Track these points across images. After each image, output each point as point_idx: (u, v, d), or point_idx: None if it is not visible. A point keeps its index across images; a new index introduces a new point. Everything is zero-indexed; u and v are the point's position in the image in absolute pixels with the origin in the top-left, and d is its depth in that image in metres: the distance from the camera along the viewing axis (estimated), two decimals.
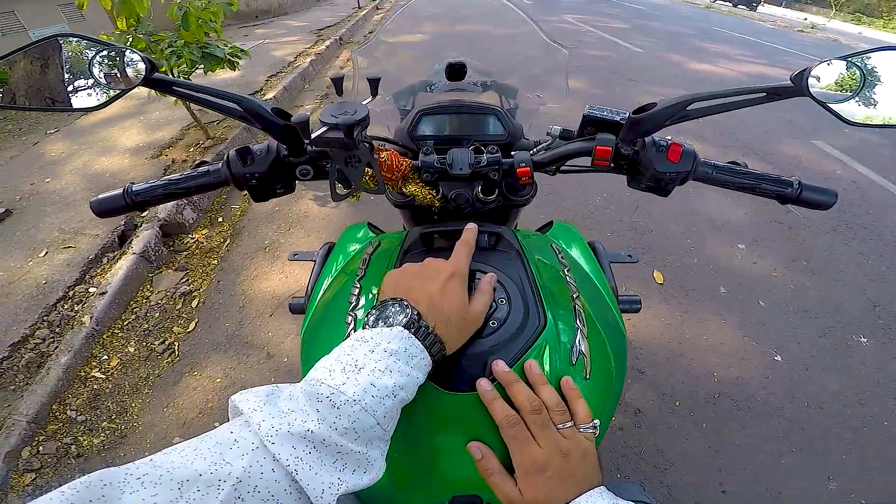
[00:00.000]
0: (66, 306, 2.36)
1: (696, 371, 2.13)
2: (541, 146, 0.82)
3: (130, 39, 3.76)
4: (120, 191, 0.75)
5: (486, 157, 0.75)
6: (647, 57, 7.59)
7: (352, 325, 0.63)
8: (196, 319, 2.43)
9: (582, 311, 0.64)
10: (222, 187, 0.75)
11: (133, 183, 0.77)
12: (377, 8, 14.32)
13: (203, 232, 3.02)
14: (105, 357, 2.22)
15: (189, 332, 2.36)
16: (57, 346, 2.15)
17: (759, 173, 0.73)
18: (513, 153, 0.77)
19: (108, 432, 1.92)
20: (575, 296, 0.67)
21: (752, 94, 0.67)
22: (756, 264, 2.75)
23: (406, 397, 0.48)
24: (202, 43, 3.96)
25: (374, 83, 0.86)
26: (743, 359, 2.22)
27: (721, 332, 2.33)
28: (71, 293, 2.43)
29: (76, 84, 0.73)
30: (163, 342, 2.31)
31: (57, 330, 2.23)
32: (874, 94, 0.68)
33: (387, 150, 0.75)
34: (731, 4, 23.39)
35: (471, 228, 0.66)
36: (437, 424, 0.56)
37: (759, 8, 23.84)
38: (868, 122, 0.68)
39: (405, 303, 0.53)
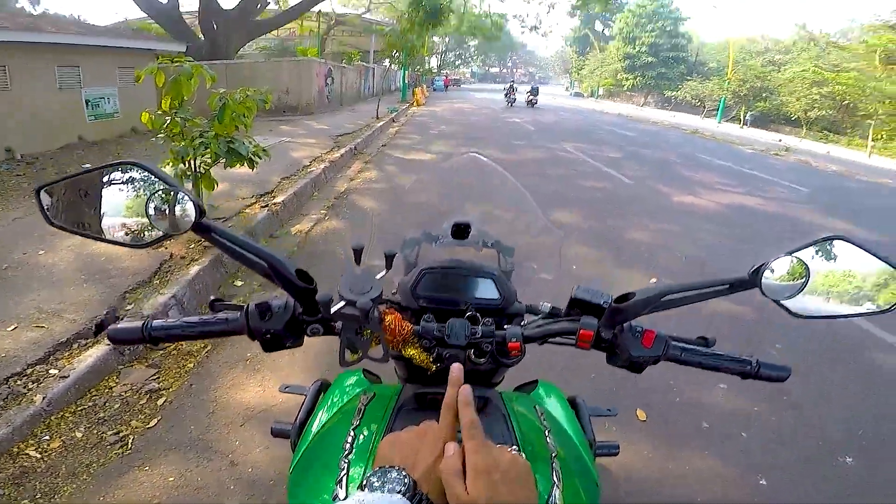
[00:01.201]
0: (19, 382, 2.29)
1: (681, 497, 2.13)
2: (531, 321, 0.89)
3: (168, 121, 4.01)
4: (139, 324, 0.78)
5: (481, 329, 0.81)
6: (638, 188, 7.98)
7: (345, 472, 0.67)
8: (159, 417, 2.35)
9: (559, 468, 0.72)
10: (237, 336, 0.79)
11: (153, 318, 0.83)
12: (393, 121, 15.38)
13: None
14: (46, 437, 2.13)
15: (149, 428, 2.28)
16: None
17: (722, 354, 0.81)
18: (505, 327, 0.84)
19: None
20: (553, 455, 0.75)
21: (717, 286, 0.76)
22: (737, 401, 2.76)
23: None
24: (230, 137, 4.20)
25: (389, 259, 0.92)
26: (727, 484, 2.22)
27: (704, 462, 2.34)
28: (29, 371, 2.37)
29: (125, 216, 0.76)
30: (116, 433, 2.22)
31: (0, 403, 2.16)
32: (819, 285, 0.75)
33: (391, 313, 0.79)
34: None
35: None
36: None
37: (740, 130, 25.59)
38: (814, 315, 0.77)
39: (403, 472, 0.55)
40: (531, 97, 27.03)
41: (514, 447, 0.71)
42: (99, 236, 0.76)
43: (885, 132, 20.60)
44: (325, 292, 0.76)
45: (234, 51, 16.03)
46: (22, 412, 2.12)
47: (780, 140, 20.99)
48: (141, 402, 2.42)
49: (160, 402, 2.45)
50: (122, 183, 0.76)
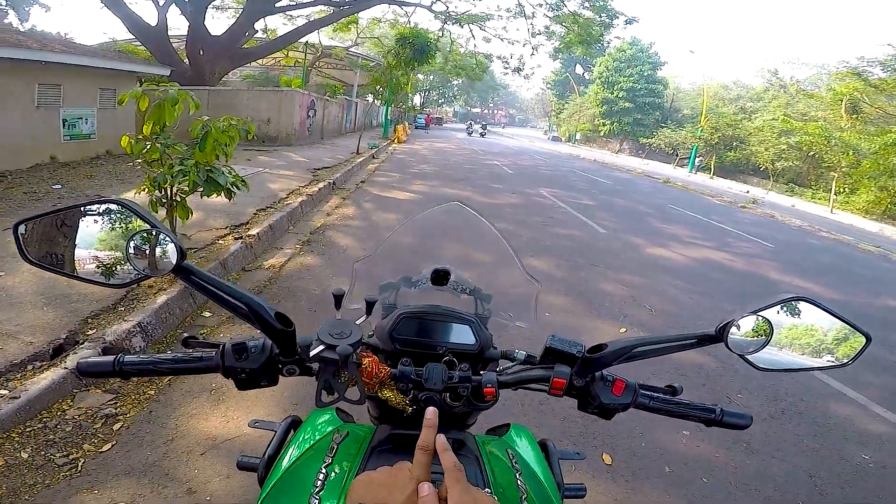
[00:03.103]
0: None
1: None
2: (507, 367, 0.92)
3: (149, 146, 3.94)
4: (111, 359, 0.78)
5: (457, 374, 0.83)
6: (610, 239, 8.11)
7: None
8: (114, 441, 2.29)
9: None
10: (211, 373, 0.80)
11: (125, 353, 0.83)
12: (373, 157, 15.51)
13: None
14: None
15: (101, 452, 2.22)
16: None
17: (689, 402, 0.86)
18: (482, 372, 0.86)
19: None
20: (524, 497, 0.77)
21: (685, 340, 0.80)
22: (699, 447, 2.82)
23: None
24: (210, 166, 4.14)
25: (370, 305, 0.95)
26: None
27: None
28: None
29: (104, 255, 0.75)
30: (66, 455, 2.16)
31: None
32: (780, 341, 0.81)
33: (368, 356, 0.81)
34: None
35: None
36: None
37: (710, 180, 26.42)
38: (775, 369, 0.82)
39: None
40: (482, 130, 44.16)
41: (487, 490, 0.74)
42: (76, 275, 0.75)
43: (847, 185, 21.48)
44: (304, 336, 0.78)
45: (218, 77, 16.10)
46: None
47: (748, 192, 21.66)
48: (95, 427, 2.36)
49: (116, 426, 2.39)
50: (103, 220, 0.75)
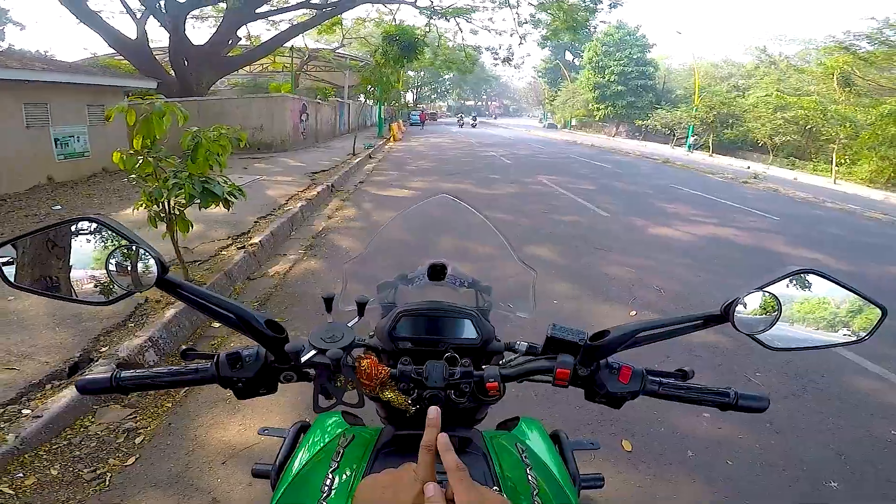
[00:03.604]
0: None
1: None
2: (509, 360, 0.90)
3: (141, 160, 3.92)
4: (108, 375, 0.78)
5: (459, 370, 0.82)
6: (612, 222, 8.07)
7: None
8: (137, 455, 2.34)
9: None
10: (208, 384, 0.80)
11: (122, 368, 0.82)
12: (370, 157, 15.48)
13: None
14: (20, 475, 2.10)
15: (126, 466, 2.27)
16: None
17: (701, 387, 0.83)
18: (483, 367, 0.85)
19: None
20: (535, 492, 0.75)
21: (690, 322, 0.78)
22: (721, 429, 2.78)
23: None
24: (204, 177, 4.12)
25: (361, 306, 0.93)
26: None
27: (691, 490, 2.36)
28: (0, 411, 2.32)
29: (85, 274, 0.74)
30: (93, 471, 2.20)
31: None
32: (791, 317, 0.77)
33: (367, 358, 0.80)
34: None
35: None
36: None
37: (709, 158, 26.23)
38: (789, 347, 0.79)
39: None
40: (473, 122, 47.53)
41: (495, 487, 0.74)
42: (60, 295, 0.75)
43: (848, 157, 21.35)
44: (295, 342, 0.76)
45: (205, 87, 16.04)
46: None
47: (749, 167, 21.54)
48: (118, 441, 2.40)
49: (138, 440, 2.43)
50: (83, 239, 0.75)
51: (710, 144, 29.70)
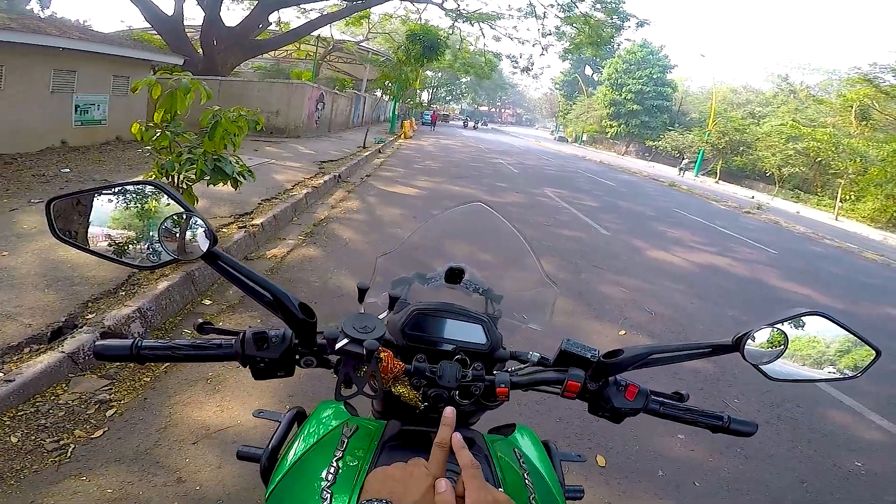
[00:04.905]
0: None
1: None
2: (518, 368, 0.93)
3: (159, 133, 3.97)
4: (129, 342, 0.78)
5: (471, 373, 0.84)
6: (613, 241, 8.06)
7: (328, 502, 0.68)
8: (106, 428, 2.28)
9: None
10: (229, 360, 0.80)
11: (143, 338, 0.81)
12: (379, 151, 15.51)
13: None
14: None
15: (93, 438, 2.21)
16: None
17: (697, 409, 0.88)
18: (495, 372, 0.87)
19: None
20: (532, 497, 0.78)
21: (700, 349, 0.84)
22: (693, 451, 2.82)
23: None
24: (218, 155, 4.16)
25: (393, 301, 0.95)
26: None
27: None
28: None
29: (134, 236, 0.76)
30: (56, 441, 2.14)
31: None
32: (796, 353, 0.84)
33: (384, 351, 0.81)
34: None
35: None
36: None
37: (715, 185, 26.29)
38: (787, 379, 0.86)
39: None
40: (476, 124, 57.25)
41: (500, 488, 0.74)
42: (104, 254, 0.76)
43: (853, 192, 21.30)
44: (330, 329, 0.77)
45: (229, 68, 16.16)
46: None
47: (753, 197, 21.56)
48: (88, 412, 2.35)
49: (109, 413, 2.37)
50: (136, 202, 0.76)
51: (718, 170, 29.66)
